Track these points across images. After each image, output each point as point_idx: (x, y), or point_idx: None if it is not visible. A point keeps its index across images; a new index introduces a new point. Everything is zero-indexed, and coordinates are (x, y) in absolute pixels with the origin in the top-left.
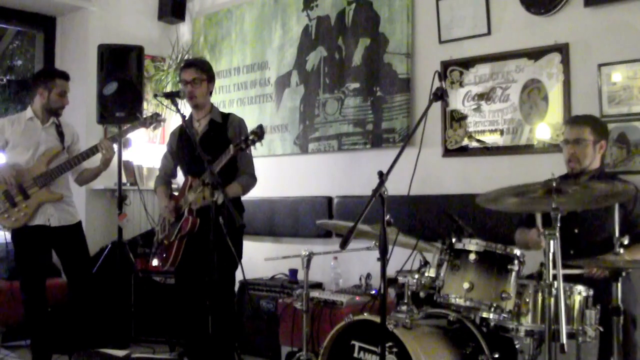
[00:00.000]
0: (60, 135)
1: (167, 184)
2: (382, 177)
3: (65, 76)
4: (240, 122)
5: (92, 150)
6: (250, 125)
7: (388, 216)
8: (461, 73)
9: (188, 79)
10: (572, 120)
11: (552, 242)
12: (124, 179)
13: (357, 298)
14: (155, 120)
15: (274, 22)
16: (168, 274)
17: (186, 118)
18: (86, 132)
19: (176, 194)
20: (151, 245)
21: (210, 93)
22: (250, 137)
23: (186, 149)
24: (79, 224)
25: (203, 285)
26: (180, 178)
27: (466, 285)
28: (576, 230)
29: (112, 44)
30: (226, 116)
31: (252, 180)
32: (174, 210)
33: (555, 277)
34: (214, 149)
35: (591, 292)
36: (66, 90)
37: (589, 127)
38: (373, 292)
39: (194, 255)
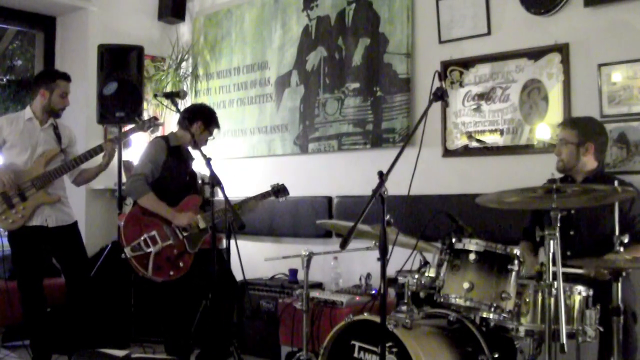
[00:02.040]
0: (58, 136)
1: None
2: (382, 177)
3: (66, 77)
4: None
5: (91, 153)
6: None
7: (388, 216)
8: (461, 73)
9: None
10: (562, 122)
11: (552, 242)
12: (123, 179)
13: (357, 298)
14: (153, 124)
15: (274, 22)
16: None
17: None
18: (86, 132)
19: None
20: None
21: None
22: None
23: (178, 168)
24: (75, 223)
25: (195, 287)
26: None
27: (466, 285)
28: (572, 232)
29: (112, 44)
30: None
31: None
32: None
33: (555, 277)
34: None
35: (591, 292)
36: (67, 91)
37: (576, 130)
38: (373, 292)
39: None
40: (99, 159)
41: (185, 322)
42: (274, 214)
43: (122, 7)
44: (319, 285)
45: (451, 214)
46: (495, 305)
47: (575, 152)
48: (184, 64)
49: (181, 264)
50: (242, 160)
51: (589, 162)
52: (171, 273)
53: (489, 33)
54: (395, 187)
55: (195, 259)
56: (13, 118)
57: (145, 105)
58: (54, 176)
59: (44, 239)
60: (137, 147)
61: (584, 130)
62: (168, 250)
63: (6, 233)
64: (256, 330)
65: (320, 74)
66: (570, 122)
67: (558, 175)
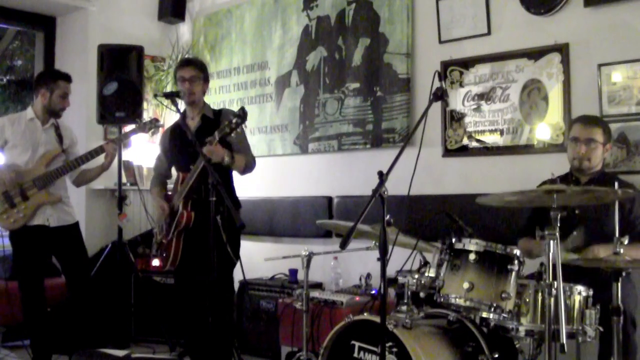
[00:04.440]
0: (59, 137)
1: (162, 184)
2: (382, 177)
3: (67, 78)
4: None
5: (92, 154)
6: (250, 125)
7: (388, 216)
8: (461, 73)
9: (186, 76)
10: (585, 120)
11: (552, 242)
12: (124, 179)
13: (357, 298)
14: (154, 125)
15: (274, 22)
16: (168, 274)
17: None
18: (86, 132)
19: (170, 193)
20: (151, 246)
21: (204, 93)
22: (234, 120)
23: (180, 146)
24: (77, 224)
25: (201, 285)
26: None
27: (466, 285)
28: (574, 233)
29: (112, 44)
30: (218, 112)
31: (252, 158)
32: (169, 209)
33: (555, 277)
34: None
35: (591, 292)
36: (68, 92)
37: (601, 129)
38: (373, 292)
39: (193, 254)
40: (99, 159)
41: (194, 323)
42: (274, 214)
43: (122, 7)
44: (319, 285)
45: (451, 214)
46: (495, 305)
47: (602, 152)
48: None
49: (164, 254)
50: None
51: (600, 163)
52: (160, 263)
53: (489, 33)
54: (395, 187)
55: (185, 242)
56: (15, 118)
57: (145, 105)
58: (55, 176)
59: (45, 238)
60: (137, 147)
61: (606, 129)
62: (162, 242)
63: (7, 233)
64: (256, 330)
65: (320, 74)
66: (593, 120)
67: (557, 176)
